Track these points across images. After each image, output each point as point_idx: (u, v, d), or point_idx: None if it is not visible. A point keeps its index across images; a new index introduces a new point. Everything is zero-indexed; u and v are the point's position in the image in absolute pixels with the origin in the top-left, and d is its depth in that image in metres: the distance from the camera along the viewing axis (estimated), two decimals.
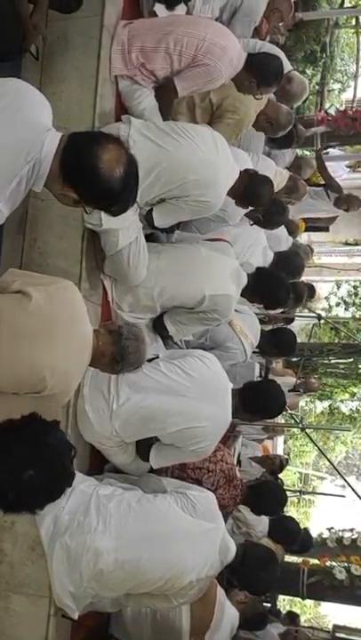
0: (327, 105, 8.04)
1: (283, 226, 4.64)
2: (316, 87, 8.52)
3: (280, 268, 4.04)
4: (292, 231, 5.22)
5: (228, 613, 2.70)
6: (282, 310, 4.50)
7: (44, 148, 1.74)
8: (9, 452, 1.65)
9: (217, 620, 2.63)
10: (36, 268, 2.66)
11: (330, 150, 6.57)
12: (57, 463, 1.71)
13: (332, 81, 9.42)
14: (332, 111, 6.55)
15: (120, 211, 1.91)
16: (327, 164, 6.19)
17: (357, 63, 9.41)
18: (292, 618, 5.05)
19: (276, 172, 4.38)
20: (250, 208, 3.25)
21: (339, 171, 6.81)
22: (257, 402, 3.06)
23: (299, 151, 6.32)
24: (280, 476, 5.84)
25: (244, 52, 2.99)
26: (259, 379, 4.60)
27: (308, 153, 7.09)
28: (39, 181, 1.79)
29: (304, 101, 6.00)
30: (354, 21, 8.96)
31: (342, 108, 6.80)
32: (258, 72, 2.98)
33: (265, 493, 3.27)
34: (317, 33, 7.84)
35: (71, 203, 1.86)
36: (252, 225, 3.46)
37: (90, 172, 1.75)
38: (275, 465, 5.61)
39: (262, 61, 3.02)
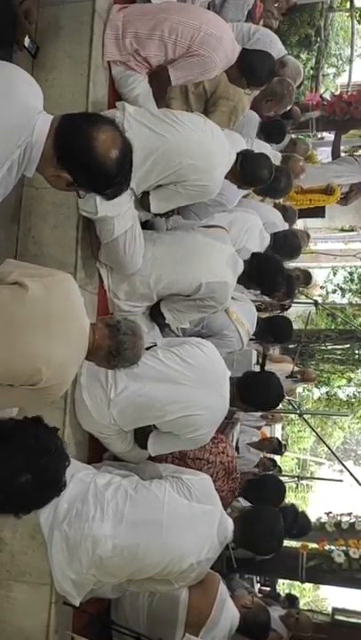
0: (322, 89, 7.99)
1: (278, 212, 4.63)
2: (311, 72, 8.45)
3: (278, 248, 4.01)
4: (289, 217, 5.19)
5: (227, 613, 2.67)
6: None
7: (35, 132, 1.70)
8: (10, 456, 1.61)
9: (214, 618, 2.62)
10: (31, 258, 2.64)
11: (325, 135, 6.53)
12: (52, 473, 1.67)
13: (326, 65, 9.34)
14: (327, 96, 6.50)
15: (114, 194, 1.87)
16: (322, 149, 6.15)
17: (352, 47, 9.32)
18: (292, 600, 5.10)
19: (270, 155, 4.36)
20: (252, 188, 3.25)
21: None
22: (254, 395, 3.05)
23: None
24: (278, 462, 5.88)
25: (238, 43, 2.98)
26: (256, 366, 4.61)
27: (302, 138, 7.05)
28: (31, 165, 1.75)
29: (299, 86, 5.95)
30: (348, 4, 8.86)
31: (337, 93, 6.74)
32: (249, 71, 2.99)
33: (264, 488, 3.26)
34: (312, 17, 7.78)
35: (64, 186, 1.81)
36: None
37: (85, 152, 1.71)
38: (273, 445, 5.66)
39: (254, 61, 3.00)
